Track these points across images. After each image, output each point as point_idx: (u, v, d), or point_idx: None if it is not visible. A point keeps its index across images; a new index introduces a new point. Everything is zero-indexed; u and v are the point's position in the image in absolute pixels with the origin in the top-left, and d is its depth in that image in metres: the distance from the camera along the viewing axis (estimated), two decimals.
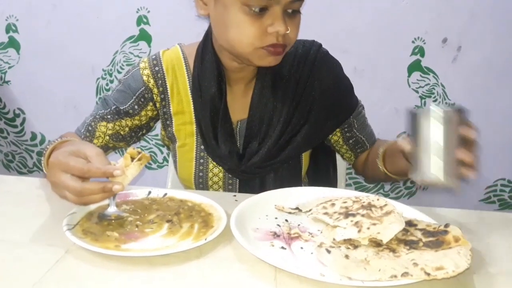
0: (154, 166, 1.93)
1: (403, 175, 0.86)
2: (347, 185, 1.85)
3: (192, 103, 0.98)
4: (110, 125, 0.99)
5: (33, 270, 0.57)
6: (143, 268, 0.60)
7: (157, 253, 0.61)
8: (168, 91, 0.99)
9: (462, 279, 0.61)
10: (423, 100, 1.81)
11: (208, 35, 0.96)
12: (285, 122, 0.96)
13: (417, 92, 1.79)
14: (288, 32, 0.81)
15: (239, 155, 0.98)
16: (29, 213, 0.75)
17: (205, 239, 0.64)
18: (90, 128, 0.99)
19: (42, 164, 0.85)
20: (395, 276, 0.57)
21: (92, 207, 0.73)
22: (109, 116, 0.99)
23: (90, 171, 0.65)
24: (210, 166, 1.01)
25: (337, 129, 1.03)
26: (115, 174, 0.65)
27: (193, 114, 0.99)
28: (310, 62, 0.97)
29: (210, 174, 1.02)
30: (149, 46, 1.78)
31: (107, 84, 1.84)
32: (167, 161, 1.87)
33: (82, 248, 0.61)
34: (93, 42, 1.78)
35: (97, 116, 0.99)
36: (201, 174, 1.02)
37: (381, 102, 1.75)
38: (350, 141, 1.04)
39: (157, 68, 0.98)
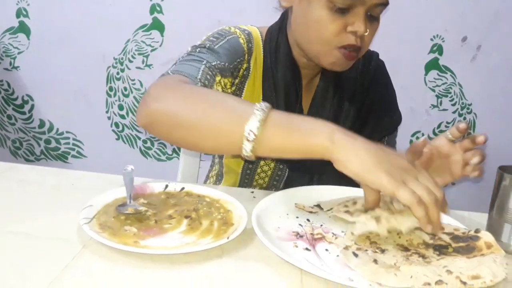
0: (163, 157, 1.91)
1: None
2: None
3: (262, 92, 0.94)
4: (223, 81, 0.85)
5: (50, 266, 0.55)
6: (163, 266, 0.57)
7: (179, 251, 0.58)
8: (250, 70, 0.93)
9: None
10: (439, 99, 1.77)
11: (283, 24, 0.93)
12: (352, 122, 0.96)
13: (433, 91, 1.76)
14: (366, 34, 0.81)
15: None
16: (43, 204, 0.72)
17: (228, 238, 0.62)
18: (208, 77, 0.80)
19: (255, 128, 0.61)
20: (429, 284, 0.54)
21: (109, 200, 0.71)
22: (226, 71, 0.85)
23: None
24: (261, 163, 0.98)
25: None
26: None
27: None
28: (372, 68, 0.99)
29: (260, 167, 0.99)
30: (162, 35, 1.75)
31: (117, 73, 1.81)
32: (177, 153, 1.85)
33: (99, 243, 0.59)
34: (105, 30, 1.76)
35: (213, 65, 0.82)
36: (250, 166, 0.99)
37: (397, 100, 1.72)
38: None
39: (250, 45, 0.92)
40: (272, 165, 0.98)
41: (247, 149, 0.62)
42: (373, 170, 0.56)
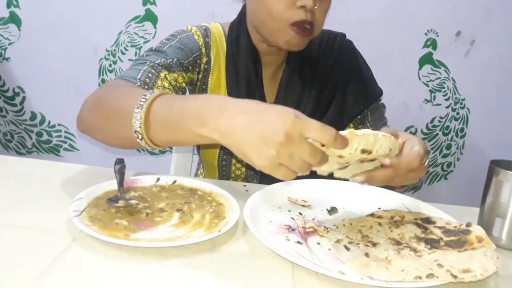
0: (156, 151, 1.90)
1: None
2: None
3: (226, 82, 0.98)
4: (172, 76, 0.87)
5: (39, 258, 0.54)
6: (153, 259, 0.57)
7: (169, 244, 0.58)
8: (211, 63, 0.97)
9: (484, 282, 0.58)
10: (433, 94, 1.77)
11: (242, 15, 0.97)
12: (315, 103, 0.99)
13: (427, 85, 1.76)
14: (315, 8, 0.83)
15: None
16: (32, 197, 0.71)
17: (219, 231, 0.61)
18: (150, 75, 0.84)
19: (137, 128, 0.63)
20: (420, 277, 0.54)
21: (99, 192, 0.70)
22: (173, 67, 0.88)
23: None
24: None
25: (350, 123, 1.02)
26: None
27: (227, 94, 0.98)
28: (336, 48, 1.01)
29: (234, 157, 1.00)
30: (155, 27, 1.73)
31: (110, 65, 1.79)
32: (170, 147, 1.83)
33: (89, 236, 0.58)
34: (97, 21, 1.73)
35: (156, 63, 0.86)
36: (225, 157, 1.01)
37: (390, 95, 1.72)
38: None
39: (207, 39, 0.97)
40: None
41: (144, 145, 0.65)
42: (249, 157, 0.55)
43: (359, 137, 0.59)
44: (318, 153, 0.55)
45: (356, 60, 1.03)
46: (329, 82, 0.99)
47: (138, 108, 0.62)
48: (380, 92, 1.03)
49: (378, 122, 1.01)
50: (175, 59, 0.89)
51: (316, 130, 0.54)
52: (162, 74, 0.85)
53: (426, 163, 0.69)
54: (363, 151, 0.61)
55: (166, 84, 0.86)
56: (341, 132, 0.58)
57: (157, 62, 0.86)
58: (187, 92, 0.99)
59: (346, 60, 1.01)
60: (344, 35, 1.05)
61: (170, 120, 0.61)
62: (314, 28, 0.86)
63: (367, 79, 1.03)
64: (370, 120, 1.01)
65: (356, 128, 1.02)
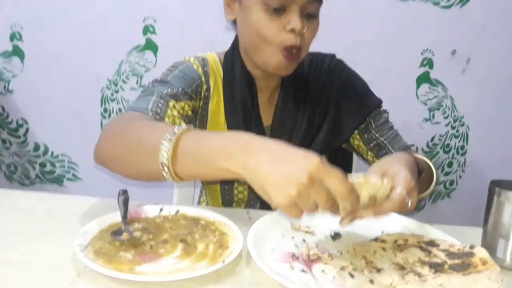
0: None
1: None
2: None
3: (223, 107, 1.00)
4: (180, 105, 0.90)
5: None
6: None
7: (173, 278, 0.58)
8: (211, 91, 0.99)
9: None
10: (431, 113, 1.79)
11: (235, 45, 1.00)
12: (309, 122, 1.00)
13: (425, 104, 1.78)
14: (304, 31, 0.86)
15: None
16: (36, 231, 0.72)
17: (223, 262, 0.62)
18: (160, 105, 0.86)
19: (165, 160, 0.64)
20: None
21: (104, 225, 0.71)
22: (180, 96, 0.90)
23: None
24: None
25: (356, 132, 1.04)
26: None
27: (225, 119, 1.00)
28: (326, 68, 1.04)
29: (237, 181, 1.01)
30: (155, 56, 1.76)
31: (112, 94, 1.81)
32: None
33: (95, 271, 0.58)
34: (98, 51, 1.77)
35: (164, 93, 0.88)
36: (227, 181, 1.02)
37: (389, 115, 1.73)
38: (371, 145, 1.03)
39: (205, 68, 1.00)
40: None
41: (168, 178, 0.66)
42: (269, 193, 0.57)
43: (371, 185, 0.62)
44: (330, 200, 0.58)
45: (346, 77, 1.05)
46: (320, 101, 1.02)
47: (165, 141, 0.64)
48: (378, 102, 1.04)
49: (383, 127, 1.03)
50: (180, 88, 0.91)
51: (336, 179, 0.56)
52: (170, 104, 0.88)
53: (410, 203, 0.66)
54: (370, 197, 0.62)
55: (175, 113, 0.88)
56: (356, 175, 0.61)
57: (164, 92, 0.88)
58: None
59: (336, 79, 1.03)
60: (334, 56, 1.07)
61: (197, 154, 0.63)
62: (301, 51, 0.89)
63: (362, 93, 1.04)
64: (374, 127, 1.03)
65: (362, 136, 1.04)
